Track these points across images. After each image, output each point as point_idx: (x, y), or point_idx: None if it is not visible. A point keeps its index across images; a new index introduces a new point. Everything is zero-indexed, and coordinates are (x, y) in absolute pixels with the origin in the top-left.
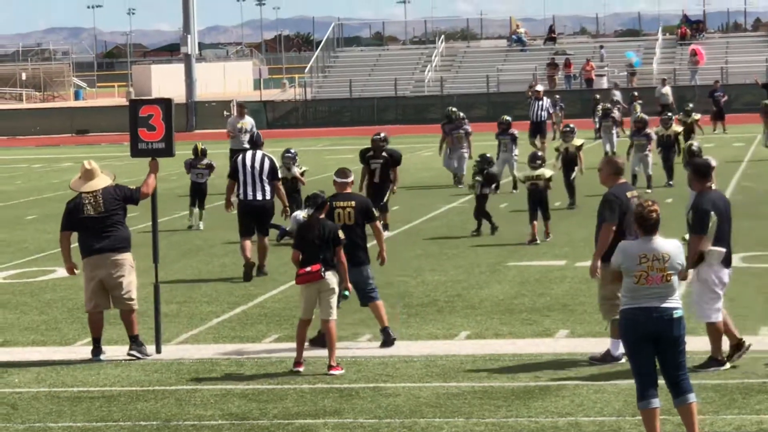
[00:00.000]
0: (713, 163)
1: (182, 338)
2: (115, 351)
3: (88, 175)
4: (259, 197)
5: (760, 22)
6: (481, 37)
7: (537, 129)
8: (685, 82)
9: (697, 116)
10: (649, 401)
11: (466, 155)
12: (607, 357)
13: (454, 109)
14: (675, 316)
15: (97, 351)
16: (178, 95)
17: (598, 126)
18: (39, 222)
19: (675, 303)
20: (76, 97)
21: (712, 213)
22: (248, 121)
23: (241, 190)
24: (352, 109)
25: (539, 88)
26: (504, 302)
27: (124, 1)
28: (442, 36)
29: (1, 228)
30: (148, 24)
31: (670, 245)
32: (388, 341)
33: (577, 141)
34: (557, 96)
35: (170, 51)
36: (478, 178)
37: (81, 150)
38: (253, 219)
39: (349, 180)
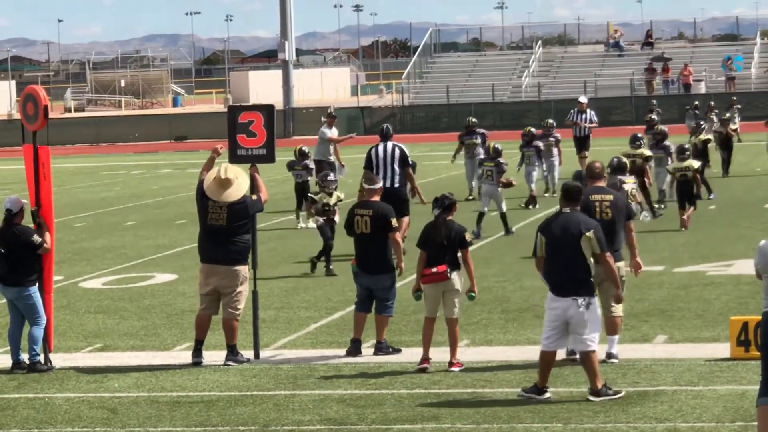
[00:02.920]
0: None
1: (280, 343)
2: (212, 356)
3: (224, 183)
4: (388, 184)
5: None
6: (578, 43)
7: (581, 144)
8: None
9: (734, 126)
10: (766, 399)
11: (556, 163)
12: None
13: (474, 120)
14: None
15: (197, 353)
16: (275, 101)
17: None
18: (138, 228)
19: None
20: (175, 103)
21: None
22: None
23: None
24: (450, 115)
25: (583, 99)
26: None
27: (222, 8)
28: (539, 41)
29: (101, 234)
30: (246, 30)
31: None
32: (380, 350)
33: (645, 151)
34: (654, 101)
35: (268, 57)
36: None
37: (179, 156)
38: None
39: (377, 186)
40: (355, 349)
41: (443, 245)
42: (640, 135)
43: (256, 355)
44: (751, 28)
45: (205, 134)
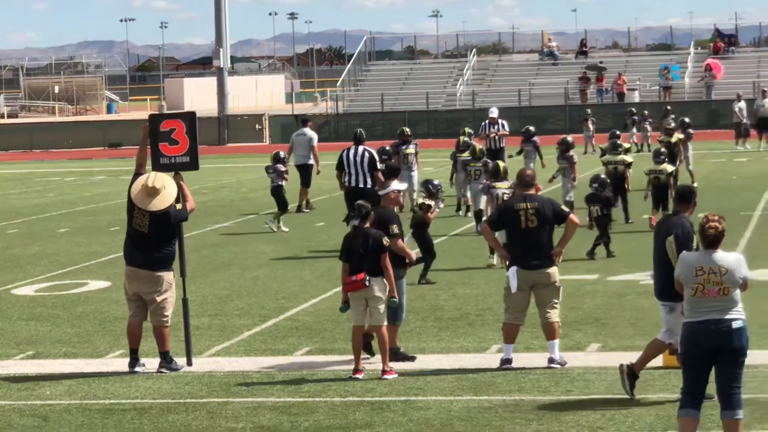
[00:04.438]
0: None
1: (214, 351)
2: (146, 364)
3: (152, 192)
4: (361, 185)
5: None
6: (513, 51)
7: (495, 155)
8: (718, 97)
9: (681, 135)
10: (688, 411)
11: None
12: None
13: (408, 131)
14: (734, 326)
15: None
16: (210, 108)
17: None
18: (71, 235)
19: (735, 314)
20: (109, 110)
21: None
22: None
23: (346, 179)
24: (384, 122)
25: (494, 112)
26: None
27: (157, 15)
28: (474, 50)
29: (34, 241)
30: (181, 37)
31: (730, 259)
32: (396, 357)
33: (627, 158)
34: (588, 110)
35: (203, 64)
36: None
37: (113, 163)
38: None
39: (386, 192)
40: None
41: (362, 253)
42: (619, 142)
43: (189, 363)
44: (685, 38)
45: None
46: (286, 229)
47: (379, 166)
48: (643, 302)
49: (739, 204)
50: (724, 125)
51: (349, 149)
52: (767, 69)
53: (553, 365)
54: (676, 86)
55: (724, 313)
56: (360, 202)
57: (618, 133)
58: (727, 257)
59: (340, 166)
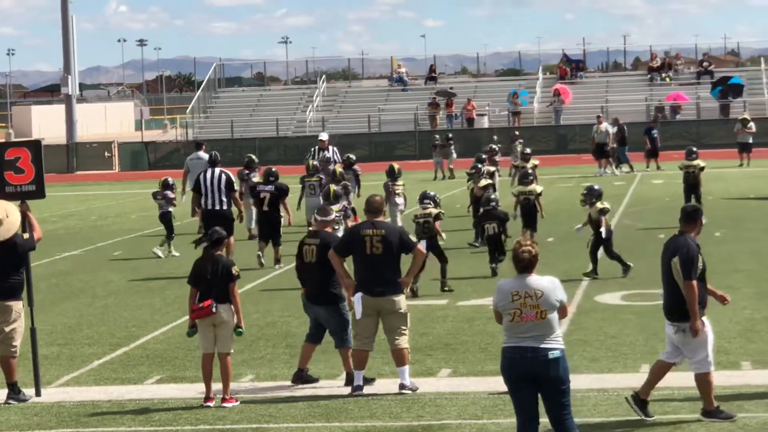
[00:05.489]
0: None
1: (63, 380)
2: None
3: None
4: (218, 207)
5: (639, 62)
6: (362, 77)
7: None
8: (567, 122)
9: (536, 161)
10: None
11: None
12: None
13: (253, 156)
14: (551, 357)
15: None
16: (59, 136)
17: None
18: None
19: (552, 344)
20: None
21: None
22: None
23: (203, 201)
24: (234, 149)
25: (323, 137)
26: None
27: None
28: (324, 76)
29: None
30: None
31: (545, 282)
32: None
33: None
34: (449, 134)
35: (51, 92)
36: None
37: None
38: (214, 224)
39: (330, 218)
40: (298, 377)
41: (211, 280)
42: (530, 171)
43: (38, 393)
44: (533, 64)
45: None
46: (177, 254)
47: (236, 188)
48: (493, 327)
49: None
50: (572, 150)
51: (205, 172)
52: (615, 94)
53: (404, 391)
54: (525, 111)
55: (541, 341)
56: (216, 228)
57: (484, 157)
58: (541, 280)
59: (197, 188)
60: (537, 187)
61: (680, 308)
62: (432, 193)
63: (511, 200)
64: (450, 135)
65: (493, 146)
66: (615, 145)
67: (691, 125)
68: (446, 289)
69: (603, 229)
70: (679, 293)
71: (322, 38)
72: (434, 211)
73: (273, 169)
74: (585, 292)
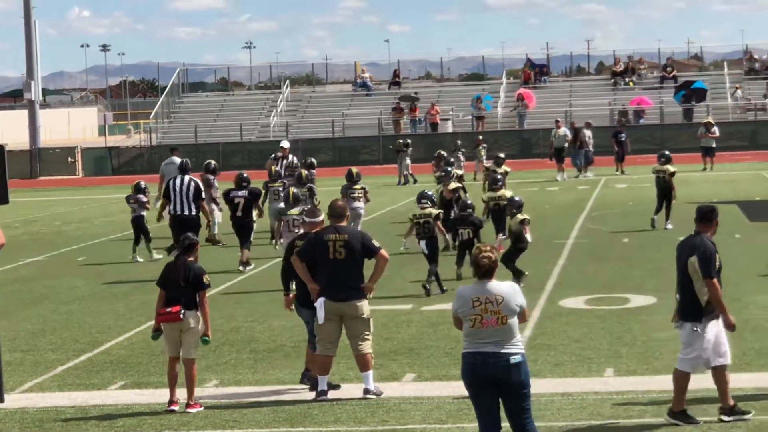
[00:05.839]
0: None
1: (26, 386)
2: None
3: None
4: (186, 212)
5: (603, 66)
6: (326, 82)
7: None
8: (531, 126)
9: (508, 168)
10: None
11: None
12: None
13: (213, 162)
14: (512, 362)
15: None
16: (22, 142)
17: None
18: None
19: (513, 348)
20: None
21: None
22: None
23: (171, 207)
24: (198, 154)
25: (285, 144)
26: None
27: None
28: (287, 81)
29: None
30: None
31: (505, 287)
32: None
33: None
34: (408, 140)
35: (14, 97)
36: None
37: None
38: (182, 230)
39: (318, 219)
40: (306, 378)
41: (181, 286)
42: (499, 177)
43: (1, 399)
44: (497, 68)
45: None
46: (159, 256)
47: (203, 195)
48: (457, 332)
49: (552, 232)
50: (536, 154)
51: (175, 178)
52: (579, 98)
53: (368, 396)
54: (489, 116)
55: (502, 346)
56: (189, 234)
57: (452, 160)
58: (501, 286)
59: (166, 194)
60: (507, 192)
61: (694, 308)
62: (429, 193)
63: (481, 205)
64: (408, 141)
65: (442, 152)
66: (581, 149)
67: (655, 129)
68: (427, 288)
69: (528, 236)
70: (694, 293)
71: (286, 43)
72: (434, 211)
73: (245, 175)
74: (549, 296)
